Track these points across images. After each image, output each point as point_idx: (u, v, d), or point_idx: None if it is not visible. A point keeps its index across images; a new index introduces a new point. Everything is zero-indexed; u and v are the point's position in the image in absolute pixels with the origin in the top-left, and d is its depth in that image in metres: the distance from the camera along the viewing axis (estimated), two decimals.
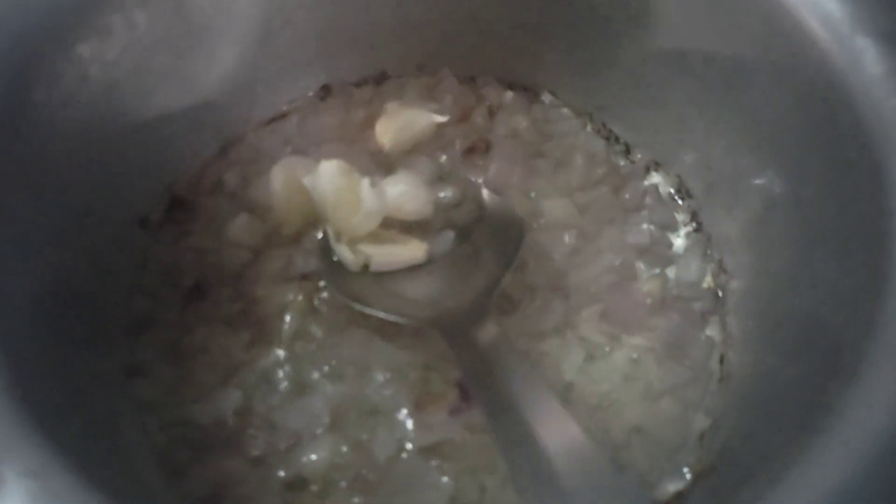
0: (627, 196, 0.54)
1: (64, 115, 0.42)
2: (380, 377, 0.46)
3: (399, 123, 0.55)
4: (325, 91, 0.58)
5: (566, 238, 0.51)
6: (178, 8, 0.46)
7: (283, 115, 0.57)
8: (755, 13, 0.43)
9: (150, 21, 0.45)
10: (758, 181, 0.47)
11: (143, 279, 0.49)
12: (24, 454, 0.29)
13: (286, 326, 0.48)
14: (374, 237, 0.48)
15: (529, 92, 0.58)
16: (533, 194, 0.54)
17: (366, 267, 0.48)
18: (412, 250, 0.49)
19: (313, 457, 0.43)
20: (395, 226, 0.50)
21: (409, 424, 0.44)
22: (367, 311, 0.46)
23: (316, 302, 0.49)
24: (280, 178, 0.51)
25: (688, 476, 0.44)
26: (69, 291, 0.41)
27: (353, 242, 0.48)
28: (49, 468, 0.29)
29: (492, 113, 0.57)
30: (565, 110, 0.58)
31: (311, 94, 0.58)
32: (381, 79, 0.59)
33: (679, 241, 0.53)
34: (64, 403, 0.34)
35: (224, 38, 0.51)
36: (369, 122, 0.56)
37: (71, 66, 0.41)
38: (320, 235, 0.51)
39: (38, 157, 0.40)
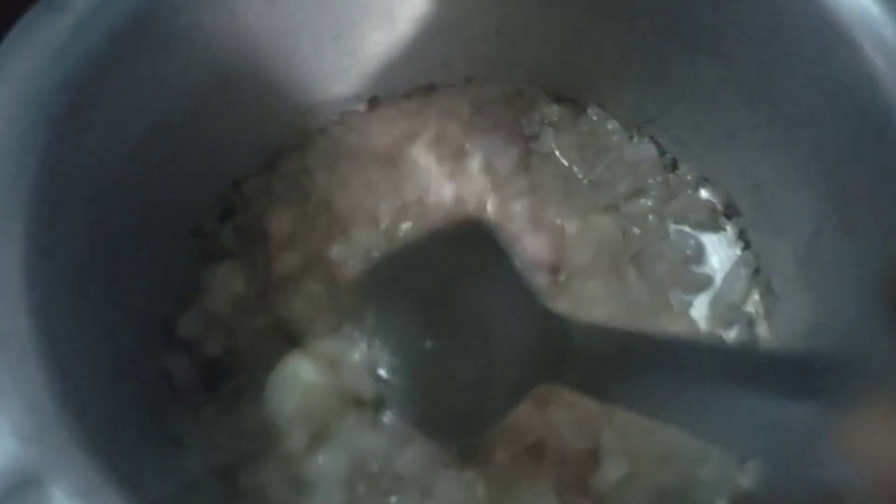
0: (673, 209, 0.54)
1: (122, 133, 0.43)
2: None
3: None
4: (374, 102, 0.59)
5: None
6: (231, 26, 0.47)
7: (333, 126, 0.58)
8: (811, 37, 0.42)
9: (205, 41, 0.46)
10: (808, 203, 0.46)
11: (194, 290, 0.50)
12: (74, 474, 0.30)
13: None
14: None
15: (577, 105, 0.58)
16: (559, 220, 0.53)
17: None
18: None
19: None
20: None
21: None
22: None
23: None
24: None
25: None
26: (122, 307, 0.43)
27: None
28: (98, 488, 0.30)
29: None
30: (612, 123, 0.57)
31: (359, 105, 0.59)
32: (429, 90, 0.60)
33: (724, 259, 0.52)
34: (114, 423, 0.36)
35: (275, 54, 0.51)
36: (414, 135, 0.57)
37: (130, 86, 0.42)
38: None
39: (97, 175, 0.41)
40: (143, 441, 0.39)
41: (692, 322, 0.50)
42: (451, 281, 0.43)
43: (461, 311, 0.42)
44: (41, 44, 0.38)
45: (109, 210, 0.43)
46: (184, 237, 0.52)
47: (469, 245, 0.43)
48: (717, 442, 0.38)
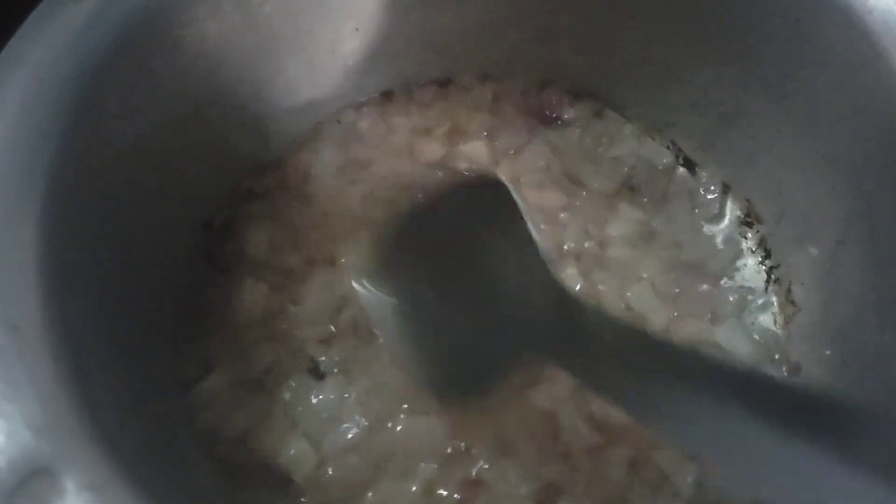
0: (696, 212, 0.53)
1: (135, 125, 0.42)
2: None
3: None
4: (388, 96, 0.59)
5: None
6: (247, 20, 0.46)
7: (346, 119, 0.57)
8: (838, 43, 0.42)
9: (220, 33, 0.45)
10: (831, 213, 0.45)
11: (202, 286, 0.50)
12: (85, 466, 0.30)
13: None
14: None
15: (594, 105, 0.57)
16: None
17: None
18: None
19: None
20: None
21: None
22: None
23: None
24: None
25: None
26: (132, 299, 0.42)
27: None
28: (109, 481, 0.30)
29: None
30: (629, 127, 0.56)
31: (373, 98, 0.58)
32: (445, 85, 0.59)
33: (744, 270, 0.52)
34: (125, 416, 0.35)
35: (292, 47, 0.51)
36: (427, 130, 0.57)
37: (144, 77, 0.42)
38: None
39: (109, 167, 0.40)
40: (150, 431, 0.38)
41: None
42: (463, 232, 0.44)
43: (470, 264, 0.43)
44: (59, 31, 0.38)
45: (122, 203, 0.42)
46: (195, 231, 0.51)
47: (485, 201, 0.44)
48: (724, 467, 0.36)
